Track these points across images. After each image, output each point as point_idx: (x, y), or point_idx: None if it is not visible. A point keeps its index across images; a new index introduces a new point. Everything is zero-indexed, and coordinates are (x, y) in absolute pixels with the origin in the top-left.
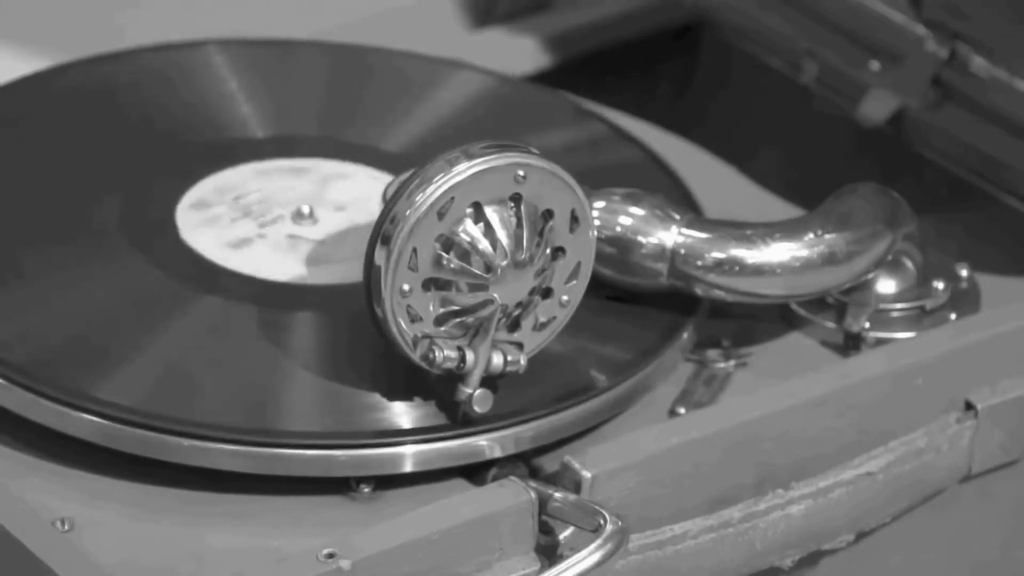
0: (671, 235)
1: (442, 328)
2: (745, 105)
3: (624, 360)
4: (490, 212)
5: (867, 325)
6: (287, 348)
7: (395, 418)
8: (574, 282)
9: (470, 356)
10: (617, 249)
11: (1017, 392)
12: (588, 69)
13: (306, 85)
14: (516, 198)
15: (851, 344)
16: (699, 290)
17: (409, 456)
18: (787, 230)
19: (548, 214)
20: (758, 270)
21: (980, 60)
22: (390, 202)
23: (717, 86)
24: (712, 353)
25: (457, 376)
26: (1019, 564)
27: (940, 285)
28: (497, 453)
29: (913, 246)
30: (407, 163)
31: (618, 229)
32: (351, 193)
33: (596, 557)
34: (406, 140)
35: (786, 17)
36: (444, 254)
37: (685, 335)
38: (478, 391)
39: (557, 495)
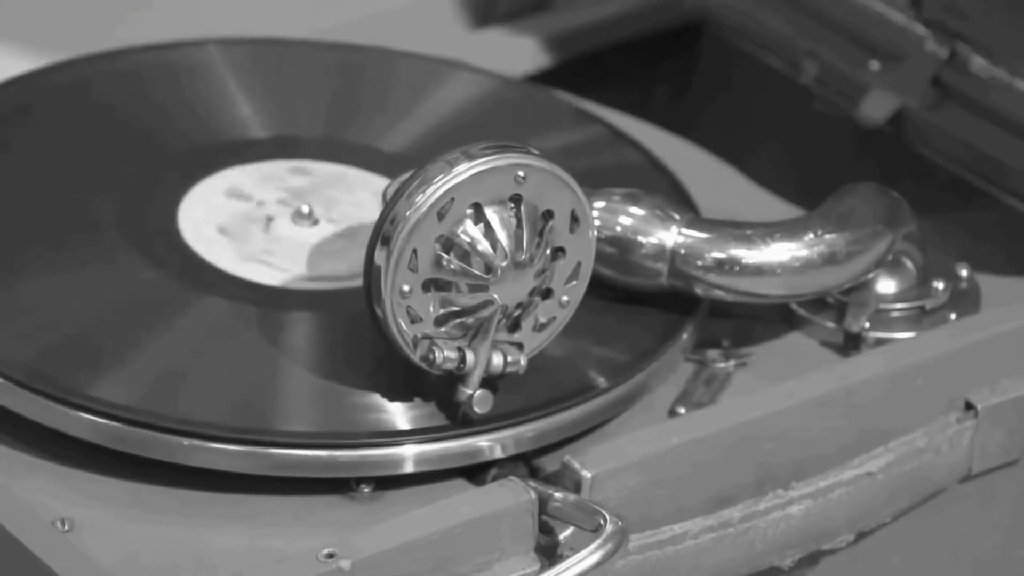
0: (671, 235)
1: (442, 329)
2: (745, 105)
3: (624, 360)
4: (490, 213)
5: (867, 325)
6: (287, 348)
7: (395, 418)
8: (574, 282)
9: (470, 357)
10: (617, 249)
11: (1017, 392)
12: (588, 69)
13: (306, 85)
14: (516, 199)
15: (851, 344)
16: (699, 290)
17: (409, 456)
18: (787, 230)
19: (548, 214)
20: (758, 270)
21: (980, 60)
22: (390, 202)
23: (717, 86)
24: (712, 353)
25: (457, 377)
26: (1019, 564)
27: (940, 285)
28: (497, 453)
29: (913, 246)
30: (407, 163)
31: (618, 229)
32: (351, 193)
33: (596, 557)
34: (406, 140)
35: (786, 17)
36: (444, 255)
37: (685, 335)
38: (478, 392)
39: (557, 495)
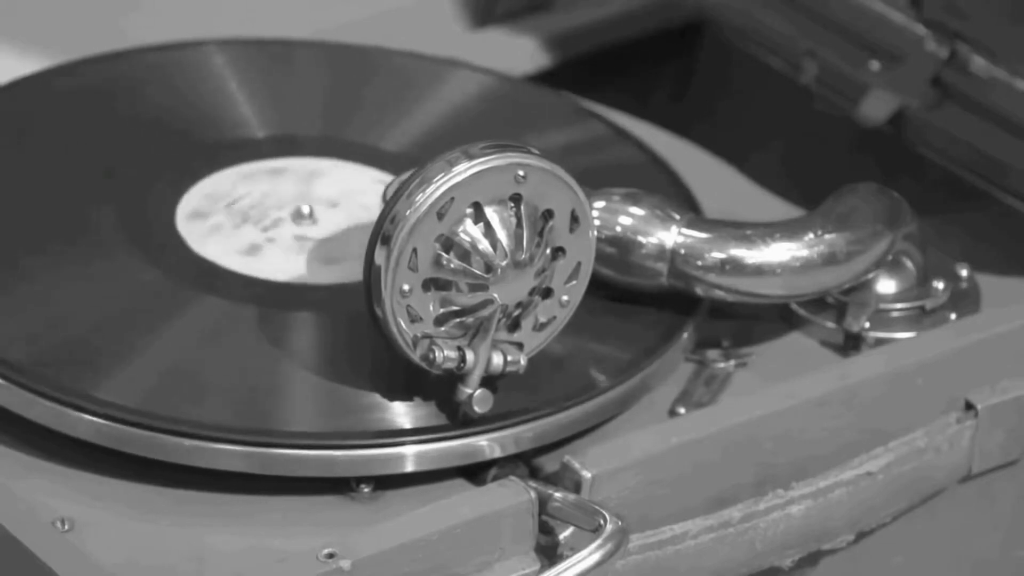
0: (671, 235)
1: (442, 328)
2: (745, 105)
3: (624, 360)
4: (490, 212)
5: (867, 325)
6: (287, 348)
7: (395, 418)
8: (574, 282)
9: (470, 356)
10: (617, 249)
11: (1017, 392)
12: (588, 69)
13: (306, 85)
14: (516, 198)
15: (851, 344)
16: (699, 290)
17: (409, 456)
18: (787, 230)
19: (548, 214)
20: (758, 270)
21: (980, 60)
22: (390, 202)
23: (717, 86)
24: (712, 353)
25: (457, 376)
26: (1019, 564)
27: (940, 285)
28: (497, 453)
29: (913, 246)
30: (407, 163)
31: (618, 229)
32: (350, 194)
33: (596, 557)
34: (406, 140)
35: (786, 17)
36: (444, 254)
37: (685, 335)
38: (478, 391)
39: (557, 495)
